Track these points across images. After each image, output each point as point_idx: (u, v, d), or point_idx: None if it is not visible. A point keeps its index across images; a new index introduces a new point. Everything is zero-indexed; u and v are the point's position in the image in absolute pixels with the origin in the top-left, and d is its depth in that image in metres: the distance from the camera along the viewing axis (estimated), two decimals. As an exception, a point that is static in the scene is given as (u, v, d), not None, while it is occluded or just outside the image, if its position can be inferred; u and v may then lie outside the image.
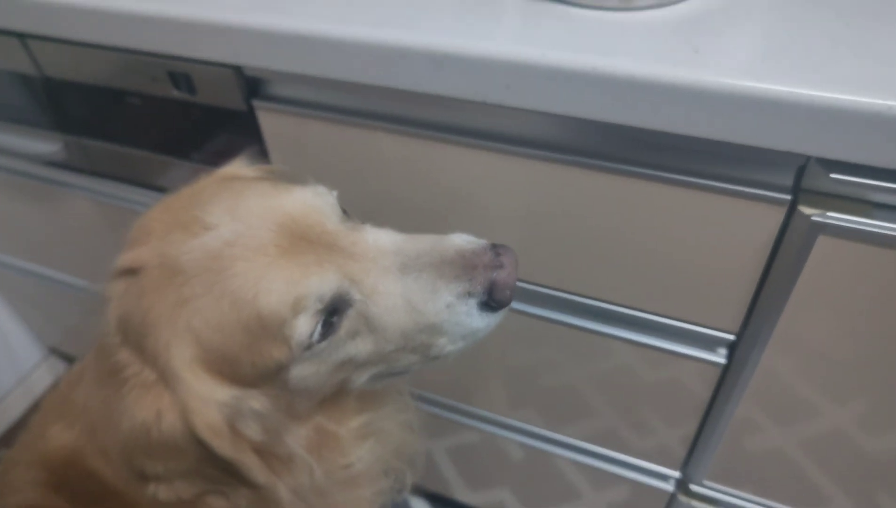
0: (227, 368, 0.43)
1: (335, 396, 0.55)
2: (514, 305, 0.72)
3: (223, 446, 0.44)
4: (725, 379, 0.67)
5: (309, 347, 0.44)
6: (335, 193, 0.48)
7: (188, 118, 0.76)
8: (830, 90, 0.44)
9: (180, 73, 0.69)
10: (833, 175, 0.48)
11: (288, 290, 0.41)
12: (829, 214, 0.50)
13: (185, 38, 0.64)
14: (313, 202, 0.45)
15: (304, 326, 0.42)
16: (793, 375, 0.63)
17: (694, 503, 0.82)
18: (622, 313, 0.67)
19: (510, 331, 0.76)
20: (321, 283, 0.42)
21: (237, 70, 0.66)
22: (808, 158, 0.49)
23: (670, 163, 0.55)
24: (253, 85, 0.68)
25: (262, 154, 0.73)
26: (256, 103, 0.69)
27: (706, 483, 0.79)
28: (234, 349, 0.42)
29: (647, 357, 0.70)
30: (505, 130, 0.60)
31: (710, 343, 0.65)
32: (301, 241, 0.43)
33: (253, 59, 0.63)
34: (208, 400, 0.43)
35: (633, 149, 0.56)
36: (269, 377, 0.45)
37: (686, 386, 0.70)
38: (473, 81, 0.55)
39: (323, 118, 0.66)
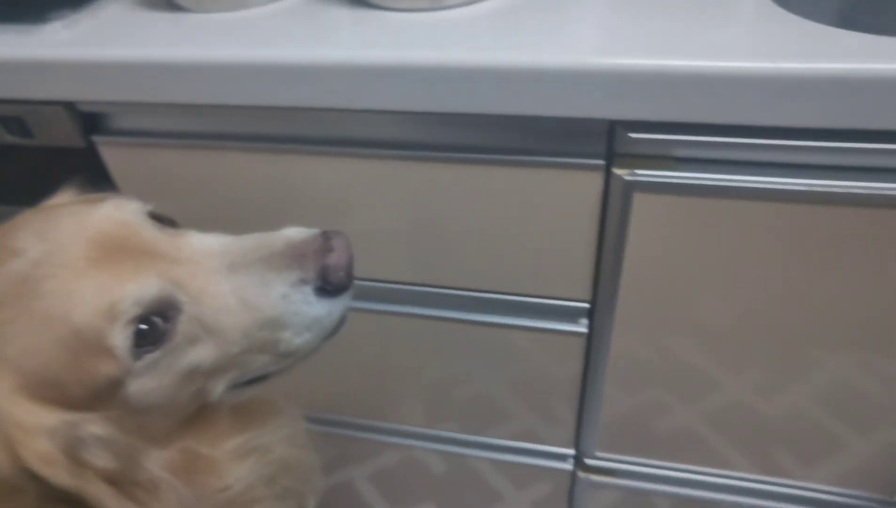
0: (53, 392, 0.42)
1: (203, 417, 0.54)
2: (381, 305, 0.73)
3: (60, 475, 0.42)
4: (591, 347, 0.70)
5: (139, 357, 0.43)
6: (149, 206, 0.48)
7: (33, 163, 0.73)
8: (615, 57, 0.49)
9: (11, 116, 0.67)
10: (631, 134, 0.53)
11: (100, 299, 0.41)
12: (638, 172, 0.54)
13: (10, 80, 0.62)
14: (124, 215, 0.45)
15: (125, 333, 0.41)
16: (650, 332, 0.67)
17: (592, 477, 0.84)
18: (483, 299, 0.70)
19: (385, 334, 0.77)
20: (137, 288, 0.42)
21: (69, 106, 0.65)
22: (611, 122, 0.54)
23: (494, 144, 0.58)
24: (91, 120, 0.67)
25: (113, 189, 0.72)
26: (97, 139, 0.67)
27: (598, 454, 0.82)
28: (56, 371, 0.41)
29: (518, 339, 0.72)
30: (342, 133, 0.62)
31: (570, 315, 0.68)
32: (116, 252, 0.43)
33: (83, 93, 0.62)
34: (34, 429, 0.41)
35: (459, 135, 0.59)
36: (105, 397, 0.44)
37: (559, 361, 0.73)
38: (306, 89, 0.57)
39: (169, 145, 0.66)
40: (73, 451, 0.44)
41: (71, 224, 0.43)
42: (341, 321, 0.52)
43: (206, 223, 0.52)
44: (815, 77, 0.46)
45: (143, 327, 0.43)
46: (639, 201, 0.56)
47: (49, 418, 0.42)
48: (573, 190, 0.58)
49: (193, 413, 0.53)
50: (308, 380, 0.86)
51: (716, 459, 0.79)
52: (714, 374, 0.70)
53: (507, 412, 0.83)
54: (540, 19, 0.56)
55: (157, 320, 0.44)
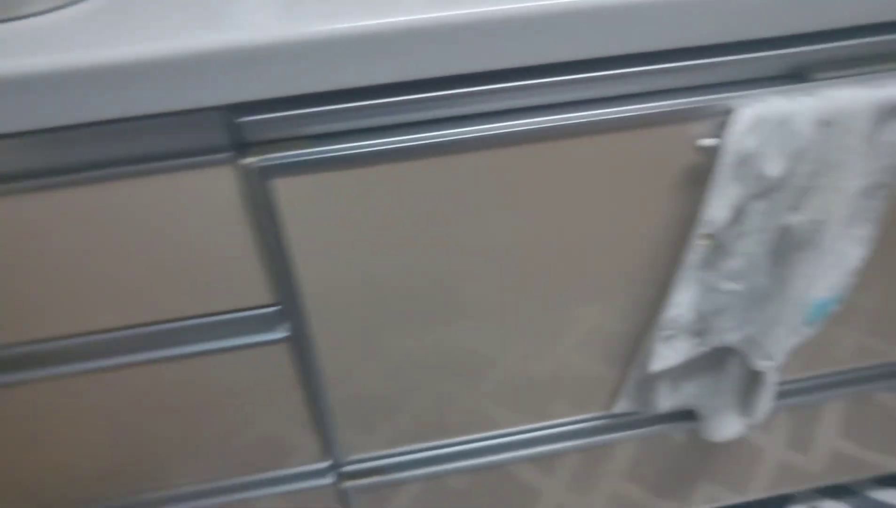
0: None
1: None
2: (72, 366, 0.63)
3: None
4: (301, 350, 0.67)
5: None
6: None
7: None
8: (203, 39, 0.46)
9: None
10: (244, 119, 0.50)
11: None
12: (268, 156, 0.52)
13: None
14: None
15: None
16: (351, 317, 0.65)
17: (357, 482, 0.81)
18: (170, 329, 0.63)
19: (90, 397, 0.66)
20: None
21: None
22: (223, 110, 0.50)
23: (112, 156, 0.52)
24: None
25: None
26: None
27: (354, 458, 0.79)
28: None
29: (229, 363, 0.66)
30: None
31: (264, 322, 0.64)
32: None
33: None
34: None
35: (68, 154, 0.51)
36: None
37: (277, 374, 0.68)
38: None
39: None
40: None
41: None
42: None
43: None
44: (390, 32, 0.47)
45: None
46: (280, 186, 0.53)
47: None
48: (210, 188, 0.54)
49: None
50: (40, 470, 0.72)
51: (483, 423, 0.80)
52: (445, 344, 0.70)
53: (259, 442, 0.77)
54: (135, 16, 0.51)
55: None
